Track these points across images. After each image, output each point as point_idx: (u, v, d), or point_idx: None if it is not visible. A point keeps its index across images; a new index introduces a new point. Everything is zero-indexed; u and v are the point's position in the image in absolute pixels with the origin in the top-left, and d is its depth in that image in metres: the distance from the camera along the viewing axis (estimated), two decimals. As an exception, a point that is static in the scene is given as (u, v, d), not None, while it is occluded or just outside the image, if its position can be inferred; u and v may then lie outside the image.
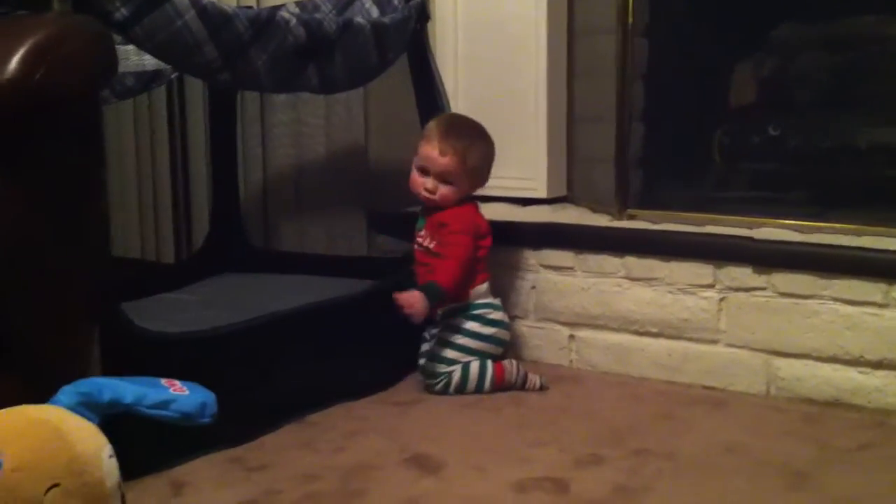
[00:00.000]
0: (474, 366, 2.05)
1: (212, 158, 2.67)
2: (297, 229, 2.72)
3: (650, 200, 2.33)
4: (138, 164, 2.94)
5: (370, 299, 2.14)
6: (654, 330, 2.16)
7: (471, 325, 2.09)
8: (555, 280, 2.28)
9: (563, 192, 2.55)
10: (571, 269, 2.25)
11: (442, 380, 2.05)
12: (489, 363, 2.07)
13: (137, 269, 2.66)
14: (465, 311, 2.10)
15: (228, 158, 2.63)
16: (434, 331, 2.13)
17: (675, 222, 2.19)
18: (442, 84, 2.30)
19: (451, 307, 2.10)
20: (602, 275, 2.21)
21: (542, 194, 2.48)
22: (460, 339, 2.08)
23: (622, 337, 2.20)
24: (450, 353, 2.07)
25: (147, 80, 2.34)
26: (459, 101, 2.45)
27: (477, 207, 2.17)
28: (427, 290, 1.99)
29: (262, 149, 2.77)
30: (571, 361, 2.28)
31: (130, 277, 2.43)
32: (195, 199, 2.90)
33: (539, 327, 2.32)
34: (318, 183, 2.70)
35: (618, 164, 2.30)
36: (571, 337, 2.28)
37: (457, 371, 2.05)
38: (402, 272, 2.18)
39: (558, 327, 2.29)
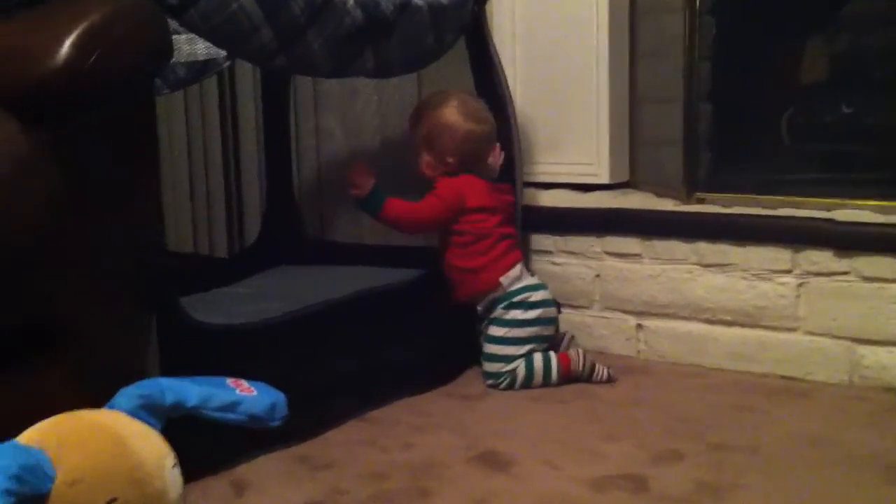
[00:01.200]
0: (538, 358, 1.98)
1: (265, 148, 2.62)
2: (352, 218, 2.66)
3: (719, 183, 2.23)
4: (190, 156, 2.92)
5: (425, 287, 2.07)
6: (728, 318, 2.06)
7: (514, 314, 2.01)
8: (620, 267, 2.20)
9: (625, 176, 2.46)
10: (638, 255, 2.17)
11: (505, 379, 1.97)
12: (552, 355, 1.99)
13: (192, 263, 2.61)
14: (503, 301, 2.02)
15: (282, 147, 2.57)
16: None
17: (747, 205, 2.09)
18: (501, 67, 2.23)
19: (488, 299, 2.03)
20: (671, 261, 2.12)
21: (605, 179, 2.40)
22: (509, 332, 2.00)
23: (693, 326, 2.11)
24: (505, 350, 1.99)
25: (199, 70, 2.28)
26: (518, 83, 2.37)
27: (473, 181, 2.06)
28: (376, 193, 2.01)
29: (316, 137, 2.73)
30: (639, 352, 2.20)
31: (186, 271, 2.40)
32: (247, 191, 2.87)
33: (604, 317, 2.24)
34: (373, 170, 2.63)
35: (686, 146, 2.21)
36: (639, 326, 2.19)
37: (520, 367, 1.97)
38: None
39: (625, 316, 2.21)
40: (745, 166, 2.37)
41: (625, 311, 2.21)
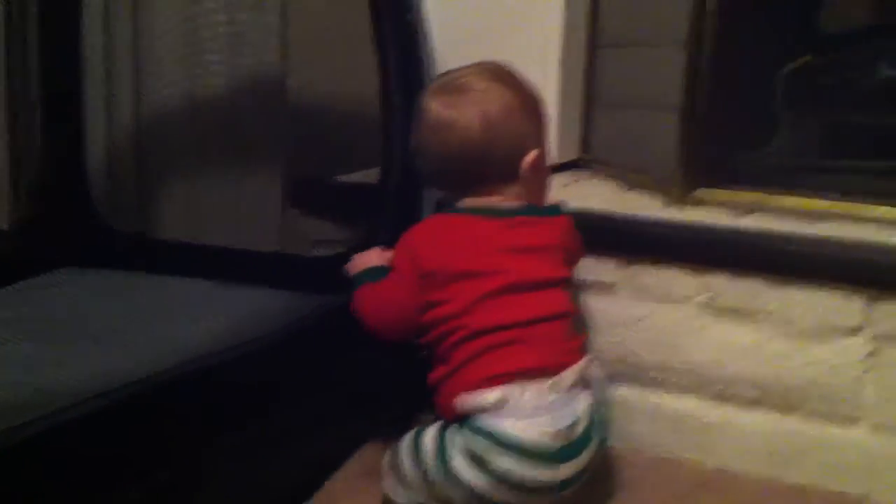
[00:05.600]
0: None
1: (42, 85, 1.74)
2: (182, 204, 1.83)
3: (722, 172, 1.50)
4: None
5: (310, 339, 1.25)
6: (752, 394, 1.32)
7: (450, 451, 1.11)
8: (581, 303, 1.43)
9: (574, 153, 1.74)
10: (611, 287, 1.40)
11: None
12: None
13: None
14: (457, 421, 1.12)
15: (67, 86, 1.71)
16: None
17: (782, 215, 1.36)
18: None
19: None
20: (667, 300, 1.36)
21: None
22: (434, 463, 1.12)
23: (694, 403, 1.36)
24: (412, 472, 1.14)
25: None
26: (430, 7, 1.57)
27: (444, 222, 1.23)
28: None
29: (134, 75, 1.89)
30: (605, 433, 1.45)
31: None
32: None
33: (552, 375, 1.48)
34: (214, 135, 1.82)
35: (685, 113, 1.45)
36: (606, 394, 1.44)
37: None
38: (345, 283, 1.29)
39: (585, 378, 1.45)
40: (749, 145, 1.65)
41: (584, 370, 1.44)
